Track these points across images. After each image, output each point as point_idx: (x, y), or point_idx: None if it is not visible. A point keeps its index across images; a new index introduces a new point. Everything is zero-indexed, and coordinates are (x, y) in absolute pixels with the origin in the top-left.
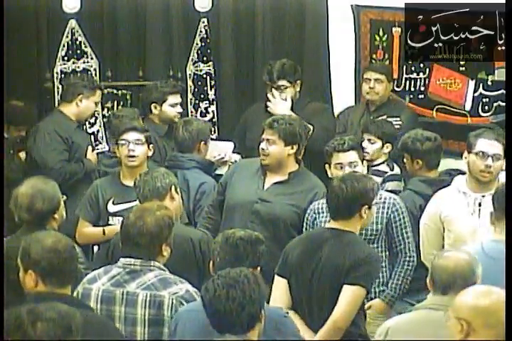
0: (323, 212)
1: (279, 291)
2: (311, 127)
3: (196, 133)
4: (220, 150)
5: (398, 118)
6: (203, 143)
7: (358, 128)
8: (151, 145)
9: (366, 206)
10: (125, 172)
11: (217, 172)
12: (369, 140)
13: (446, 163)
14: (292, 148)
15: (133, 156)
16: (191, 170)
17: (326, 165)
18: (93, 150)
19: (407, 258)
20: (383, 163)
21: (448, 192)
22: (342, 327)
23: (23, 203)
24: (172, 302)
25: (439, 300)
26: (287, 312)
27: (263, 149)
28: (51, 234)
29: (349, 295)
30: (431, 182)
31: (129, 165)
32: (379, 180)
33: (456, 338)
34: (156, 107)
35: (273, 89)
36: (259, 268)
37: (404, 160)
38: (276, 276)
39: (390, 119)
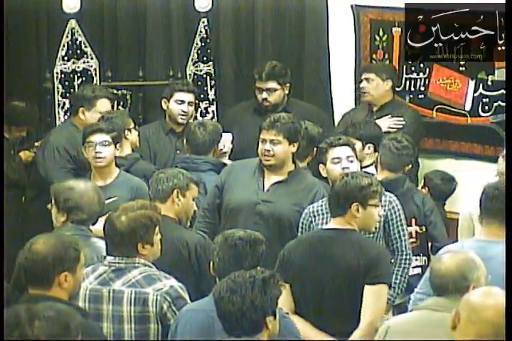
0: (319, 215)
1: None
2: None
3: (213, 136)
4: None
5: (402, 118)
6: (216, 145)
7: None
8: (117, 145)
9: (357, 204)
10: (95, 173)
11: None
12: None
13: (446, 163)
14: (294, 146)
15: (100, 158)
16: (206, 173)
17: (321, 165)
18: None
19: (403, 257)
20: (371, 164)
21: None
22: (377, 326)
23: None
24: (157, 299)
25: (437, 302)
26: (287, 313)
27: (268, 150)
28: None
29: (375, 294)
30: None
31: (97, 166)
32: None
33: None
34: (165, 102)
35: (263, 92)
36: (258, 269)
37: None
38: None
39: (393, 119)
